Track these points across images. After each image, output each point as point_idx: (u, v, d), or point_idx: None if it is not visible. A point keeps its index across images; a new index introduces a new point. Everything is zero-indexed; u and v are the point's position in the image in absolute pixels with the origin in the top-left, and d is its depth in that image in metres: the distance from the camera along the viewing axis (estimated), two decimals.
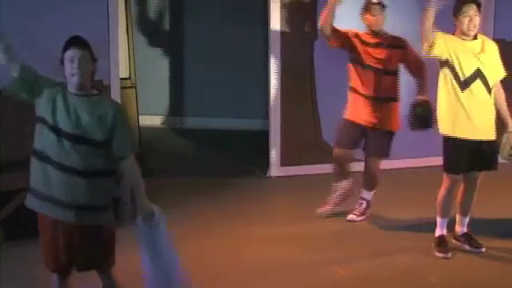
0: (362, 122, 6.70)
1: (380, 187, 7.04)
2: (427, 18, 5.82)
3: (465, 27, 5.90)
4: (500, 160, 6.12)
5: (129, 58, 8.42)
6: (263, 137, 8.56)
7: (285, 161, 8.32)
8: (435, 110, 6.28)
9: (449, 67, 5.90)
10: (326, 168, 7.13)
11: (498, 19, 8.67)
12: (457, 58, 5.88)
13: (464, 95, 5.90)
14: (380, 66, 6.64)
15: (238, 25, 10.30)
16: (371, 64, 6.63)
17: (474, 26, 5.91)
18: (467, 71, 5.88)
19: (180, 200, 7.41)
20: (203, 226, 6.80)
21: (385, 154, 6.89)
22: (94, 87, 4.50)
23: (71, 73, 4.33)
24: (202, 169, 8.68)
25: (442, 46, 5.88)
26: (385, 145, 6.83)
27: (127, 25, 8.43)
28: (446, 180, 6.11)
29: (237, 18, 10.32)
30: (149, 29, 10.58)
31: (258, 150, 8.76)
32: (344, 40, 6.65)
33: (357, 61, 6.68)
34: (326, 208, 6.89)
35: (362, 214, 6.93)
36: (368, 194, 6.96)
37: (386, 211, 7.07)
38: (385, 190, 7.39)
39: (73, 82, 4.35)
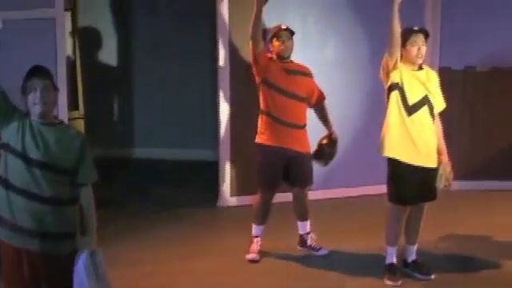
0: (286, 147, 6.59)
1: (325, 217, 7.09)
2: (394, 27, 5.87)
3: (413, 56, 6.00)
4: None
5: (76, 90, 8.38)
6: (213, 167, 8.56)
7: (235, 191, 8.33)
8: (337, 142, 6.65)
9: (399, 90, 5.98)
10: (277, 197, 7.13)
11: (443, 48, 8.81)
12: (406, 83, 5.97)
13: (410, 120, 5.98)
14: (294, 92, 6.59)
15: (187, 57, 10.32)
16: (287, 89, 6.57)
17: (422, 55, 6.03)
18: (415, 97, 5.99)
19: (129, 232, 7.38)
20: (153, 257, 6.76)
21: (312, 181, 6.87)
22: (56, 116, 4.55)
23: (34, 102, 4.35)
24: (152, 200, 8.64)
25: (397, 70, 5.97)
26: (310, 172, 6.80)
27: (75, 57, 8.40)
28: (392, 209, 6.18)
29: (185, 50, 10.33)
30: (97, 61, 10.55)
31: (209, 180, 8.75)
32: (265, 60, 6.58)
33: (271, 85, 6.57)
34: (252, 256, 6.73)
35: (314, 246, 6.91)
36: (305, 225, 6.90)
37: (332, 241, 7.06)
38: (330, 220, 7.48)
39: (36, 111, 4.37)
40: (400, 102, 5.99)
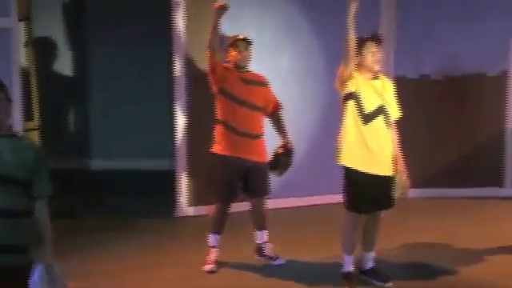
0: (243, 157, 6.59)
1: (282, 227, 7.09)
2: (349, 37, 5.91)
3: (369, 62, 6.06)
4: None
5: (31, 101, 8.31)
6: (171, 177, 8.54)
7: (192, 201, 8.32)
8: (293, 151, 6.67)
9: (355, 99, 6.02)
10: (234, 207, 7.14)
11: (398, 58, 8.89)
12: (362, 92, 6.01)
13: (366, 129, 6.03)
14: (251, 102, 6.61)
15: (144, 67, 10.30)
16: (243, 99, 6.58)
17: (377, 61, 6.08)
18: (370, 106, 6.03)
19: (86, 243, 7.33)
20: (111, 268, 6.71)
21: (269, 190, 6.88)
22: (11, 128, 4.47)
23: None
24: (109, 211, 8.58)
25: (353, 80, 6.01)
26: (267, 181, 6.81)
27: (30, 68, 8.34)
28: (348, 217, 6.21)
29: (142, 60, 10.31)
30: (52, 72, 10.48)
31: (166, 190, 8.73)
32: (223, 70, 6.59)
33: (229, 95, 6.58)
34: (210, 266, 6.70)
35: (271, 255, 6.91)
36: (262, 235, 6.90)
37: (289, 250, 7.07)
38: (287, 229, 7.49)
39: None
40: (356, 110, 6.03)
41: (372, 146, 6.04)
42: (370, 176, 6.07)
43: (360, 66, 6.07)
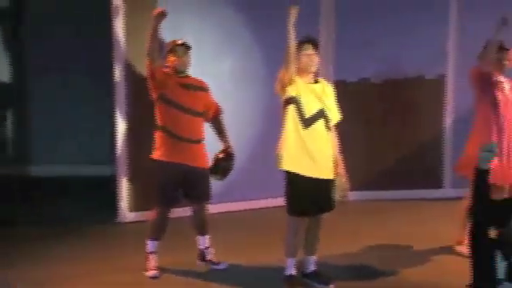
0: (183, 162, 6.58)
1: (224, 231, 7.08)
2: (289, 42, 5.93)
3: (306, 65, 6.10)
4: None
5: None
6: (112, 183, 8.48)
7: (134, 206, 8.27)
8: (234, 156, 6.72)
9: (295, 104, 6.04)
10: (176, 212, 7.12)
11: (338, 62, 8.96)
12: (302, 96, 6.04)
13: (306, 133, 6.06)
14: (191, 107, 6.61)
15: (84, 73, 10.22)
16: (183, 104, 6.58)
17: (314, 64, 6.13)
18: (310, 110, 6.07)
19: (27, 250, 7.24)
20: (53, 275, 6.63)
21: (210, 196, 6.88)
22: None
23: None
24: (51, 217, 8.49)
25: (293, 84, 6.04)
26: (208, 187, 6.81)
27: None
28: (290, 221, 6.23)
29: (83, 66, 10.23)
30: None
31: (107, 196, 8.67)
32: (162, 76, 6.57)
33: (168, 101, 6.57)
34: (153, 272, 6.67)
35: (214, 260, 6.90)
36: (204, 240, 6.90)
37: (232, 255, 7.08)
38: (229, 233, 7.48)
39: None
40: (296, 115, 6.06)
41: (312, 150, 6.08)
42: (311, 180, 6.10)
43: (299, 70, 6.11)
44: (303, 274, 6.43)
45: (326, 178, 6.15)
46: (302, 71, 6.13)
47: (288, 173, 6.14)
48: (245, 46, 8.63)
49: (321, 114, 6.12)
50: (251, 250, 7.32)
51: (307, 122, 6.07)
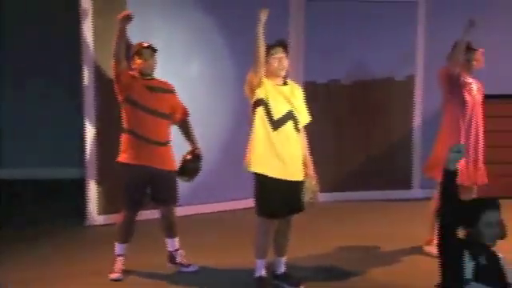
0: (150, 165, 6.55)
1: (194, 233, 7.06)
2: (258, 44, 5.91)
3: (275, 69, 6.10)
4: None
5: None
6: (81, 185, 8.43)
7: (102, 209, 8.22)
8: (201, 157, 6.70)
9: (264, 106, 6.04)
10: (145, 215, 7.10)
11: (308, 63, 8.98)
12: (271, 98, 6.04)
13: (275, 135, 6.05)
14: (157, 109, 6.58)
15: (53, 76, 10.17)
16: (149, 107, 6.54)
17: (283, 67, 6.13)
18: (279, 112, 6.06)
19: None
20: (19, 279, 6.58)
21: (177, 198, 6.86)
22: None
23: None
24: (18, 221, 8.42)
25: (262, 86, 6.04)
26: (175, 189, 6.78)
27: None
28: (260, 223, 6.22)
29: (51, 69, 10.17)
30: None
31: (76, 199, 8.61)
32: (128, 78, 6.55)
33: (134, 103, 6.54)
34: (116, 275, 6.62)
35: (183, 263, 6.88)
36: (173, 242, 6.87)
37: (202, 257, 7.06)
38: (198, 235, 7.48)
39: None
40: (265, 117, 6.05)
41: (282, 152, 6.07)
42: (281, 181, 6.09)
43: (267, 72, 6.11)
44: (273, 276, 6.43)
45: (295, 179, 6.15)
46: (271, 74, 6.13)
47: (257, 175, 6.13)
48: (214, 48, 8.61)
49: (290, 116, 6.11)
50: (221, 251, 7.31)
51: (276, 124, 6.06)
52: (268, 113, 6.05)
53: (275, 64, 6.10)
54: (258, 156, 6.09)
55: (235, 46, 8.54)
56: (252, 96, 6.10)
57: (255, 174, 6.14)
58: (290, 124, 6.11)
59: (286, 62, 6.16)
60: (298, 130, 6.18)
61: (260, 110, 6.07)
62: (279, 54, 6.12)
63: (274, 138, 6.06)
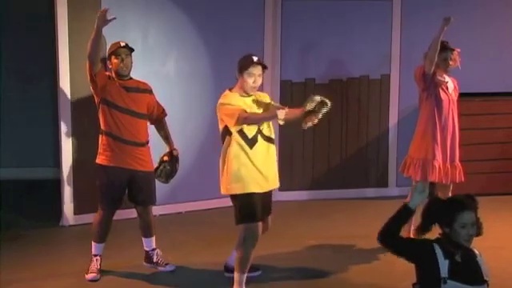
0: (127, 166, 6.55)
1: (171, 232, 7.06)
2: None
3: (249, 86, 5.98)
4: None
5: None
6: (56, 185, 8.37)
7: (77, 209, 8.17)
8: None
9: (239, 131, 5.94)
10: (121, 214, 7.06)
11: (284, 62, 8.97)
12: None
13: (253, 152, 5.95)
14: (134, 110, 6.55)
15: (28, 77, 10.12)
16: (126, 107, 6.52)
17: (256, 87, 6.03)
18: (251, 130, 5.96)
19: None
20: None
21: (154, 199, 6.83)
22: None
23: None
24: None
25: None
26: (152, 190, 6.76)
27: None
28: (245, 232, 6.01)
29: (25, 70, 10.12)
30: None
31: (51, 199, 8.54)
32: (104, 79, 6.52)
33: (111, 104, 6.50)
34: (92, 275, 6.59)
35: (160, 262, 6.86)
36: (150, 241, 6.84)
37: (179, 256, 7.06)
38: (175, 235, 7.53)
39: None
40: (240, 138, 5.95)
41: (261, 166, 5.99)
42: (261, 192, 6.03)
43: (239, 85, 6.01)
44: (226, 269, 6.44)
45: (273, 187, 6.16)
46: (242, 88, 6.01)
47: (239, 195, 6.00)
48: (192, 46, 8.56)
49: (258, 130, 5.99)
50: (198, 251, 7.29)
51: (252, 142, 5.96)
52: (242, 133, 5.94)
53: (250, 83, 5.96)
54: (244, 178, 5.95)
55: (213, 43, 8.51)
56: (235, 129, 5.93)
57: (236, 195, 6.00)
58: (260, 137, 5.99)
59: (260, 82, 6.04)
60: (269, 139, 6.07)
61: (234, 133, 5.94)
62: (256, 73, 5.96)
63: (251, 155, 5.94)
